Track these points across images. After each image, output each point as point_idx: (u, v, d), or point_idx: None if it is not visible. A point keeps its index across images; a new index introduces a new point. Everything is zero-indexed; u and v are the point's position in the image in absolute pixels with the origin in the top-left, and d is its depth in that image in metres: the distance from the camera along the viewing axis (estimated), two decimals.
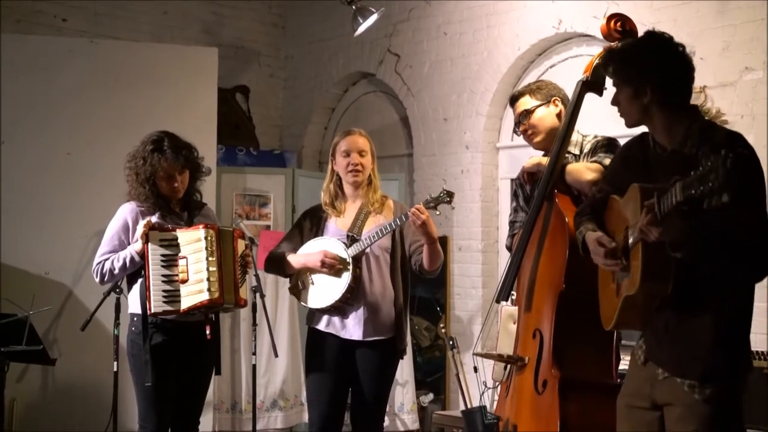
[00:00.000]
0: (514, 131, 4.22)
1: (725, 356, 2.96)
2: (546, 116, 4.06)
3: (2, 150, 6.05)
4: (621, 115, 3.15)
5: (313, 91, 8.15)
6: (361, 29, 6.84)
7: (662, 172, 2.89)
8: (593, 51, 5.80)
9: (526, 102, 4.10)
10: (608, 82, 3.85)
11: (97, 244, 4.75)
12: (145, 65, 6.45)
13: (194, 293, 4.42)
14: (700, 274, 2.88)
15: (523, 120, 4.10)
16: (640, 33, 3.84)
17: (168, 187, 4.56)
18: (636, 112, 3.07)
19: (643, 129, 3.18)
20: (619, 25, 3.86)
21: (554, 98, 4.08)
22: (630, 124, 3.14)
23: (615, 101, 3.14)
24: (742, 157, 2.52)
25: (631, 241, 2.93)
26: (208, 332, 4.48)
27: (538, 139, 4.08)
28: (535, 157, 4.09)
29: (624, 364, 4.54)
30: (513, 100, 4.19)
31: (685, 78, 3.06)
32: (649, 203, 2.73)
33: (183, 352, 4.52)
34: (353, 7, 6.82)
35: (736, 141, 2.92)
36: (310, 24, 8.15)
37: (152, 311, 4.41)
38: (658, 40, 3.07)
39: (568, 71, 6.06)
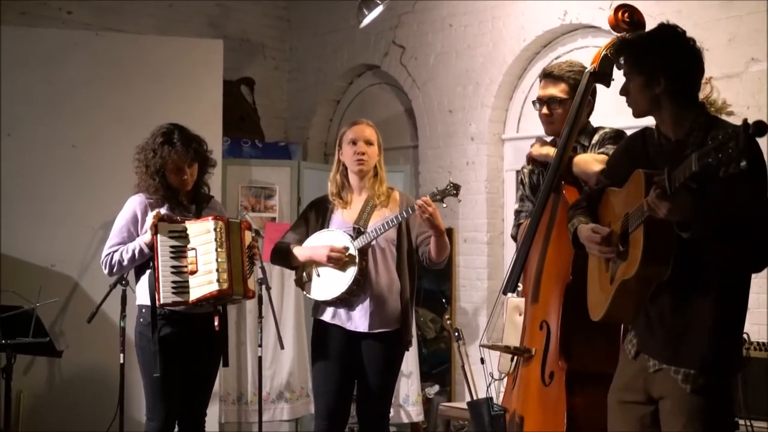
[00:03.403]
0: (533, 103, 4.13)
1: (723, 346, 2.96)
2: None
3: (7, 142, 6.05)
4: (629, 105, 3.16)
5: (318, 83, 8.15)
6: (366, 21, 6.83)
7: (664, 162, 2.88)
8: (599, 42, 5.80)
9: (562, 91, 3.97)
10: (616, 73, 3.88)
11: (103, 236, 4.76)
12: (150, 58, 6.44)
13: (203, 284, 4.43)
14: (701, 260, 2.88)
15: (550, 105, 3.98)
16: (647, 24, 3.87)
17: (177, 180, 4.57)
18: (646, 102, 3.08)
19: (647, 121, 3.18)
20: (627, 16, 3.84)
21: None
22: (638, 114, 3.14)
23: (624, 91, 3.15)
24: (759, 129, 2.50)
25: (632, 225, 2.92)
26: (216, 323, 4.49)
27: (555, 128, 4.00)
28: (546, 147, 4.05)
29: None
30: (548, 76, 4.03)
31: (696, 71, 3.09)
32: (659, 179, 2.73)
33: (191, 343, 4.54)
34: None
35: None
36: (315, 16, 8.14)
37: (161, 302, 4.42)
38: (673, 32, 3.08)
39: None
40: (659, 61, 3.03)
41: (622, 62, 3.15)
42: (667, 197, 2.71)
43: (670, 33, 3.09)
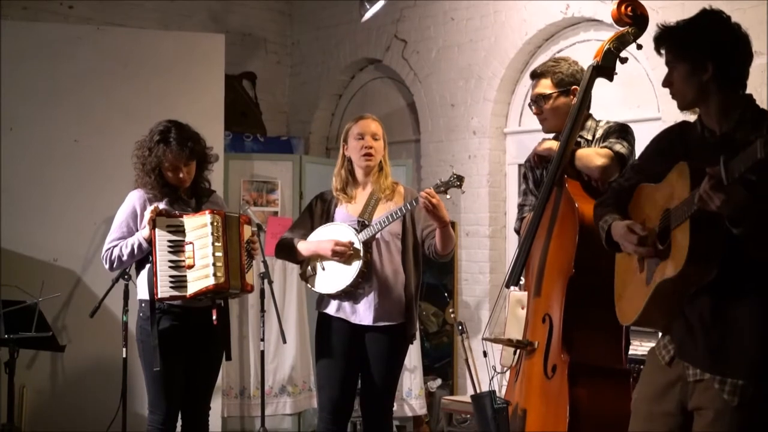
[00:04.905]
0: (529, 106, 4.17)
1: None
2: (562, 106, 3.99)
3: (9, 137, 6.05)
4: (673, 96, 3.01)
5: (320, 77, 8.15)
6: (367, 15, 6.83)
7: (709, 156, 2.69)
8: (601, 36, 5.79)
9: (546, 86, 4.03)
10: (619, 67, 3.88)
11: (106, 230, 4.76)
12: (152, 52, 6.43)
13: (200, 278, 4.43)
14: (742, 260, 2.72)
15: (539, 102, 4.04)
16: (650, 17, 3.87)
17: (174, 178, 4.57)
18: (692, 91, 2.92)
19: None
20: (630, 10, 3.83)
21: (574, 87, 3.99)
22: (683, 106, 2.99)
23: (667, 82, 2.99)
24: None
25: (675, 221, 2.75)
26: (214, 317, 4.49)
27: (549, 125, 4.05)
28: (548, 141, 4.06)
29: (633, 349, 4.55)
30: (534, 76, 4.11)
31: (745, 56, 2.95)
32: (714, 170, 2.54)
33: (191, 337, 4.54)
34: None
35: None
36: (317, 10, 8.14)
37: (159, 297, 4.42)
38: (718, 17, 2.95)
39: (575, 56, 6.03)
40: (705, 46, 2.87)
41: (664, 51, 2.98)
42: (723, 188, 2.53)
43: (714, 17, 2.94)
